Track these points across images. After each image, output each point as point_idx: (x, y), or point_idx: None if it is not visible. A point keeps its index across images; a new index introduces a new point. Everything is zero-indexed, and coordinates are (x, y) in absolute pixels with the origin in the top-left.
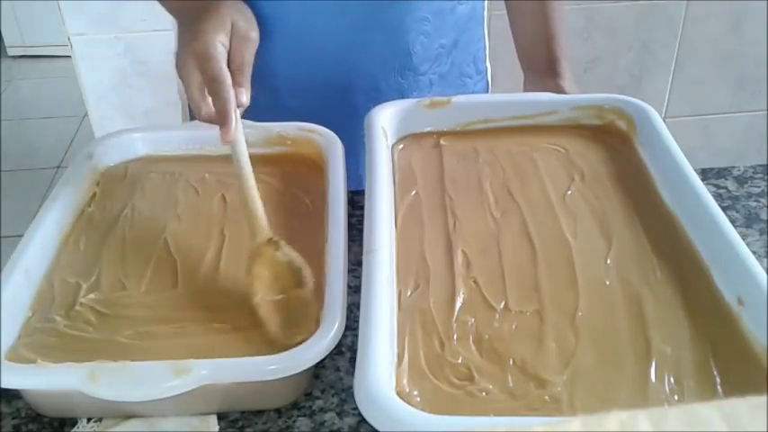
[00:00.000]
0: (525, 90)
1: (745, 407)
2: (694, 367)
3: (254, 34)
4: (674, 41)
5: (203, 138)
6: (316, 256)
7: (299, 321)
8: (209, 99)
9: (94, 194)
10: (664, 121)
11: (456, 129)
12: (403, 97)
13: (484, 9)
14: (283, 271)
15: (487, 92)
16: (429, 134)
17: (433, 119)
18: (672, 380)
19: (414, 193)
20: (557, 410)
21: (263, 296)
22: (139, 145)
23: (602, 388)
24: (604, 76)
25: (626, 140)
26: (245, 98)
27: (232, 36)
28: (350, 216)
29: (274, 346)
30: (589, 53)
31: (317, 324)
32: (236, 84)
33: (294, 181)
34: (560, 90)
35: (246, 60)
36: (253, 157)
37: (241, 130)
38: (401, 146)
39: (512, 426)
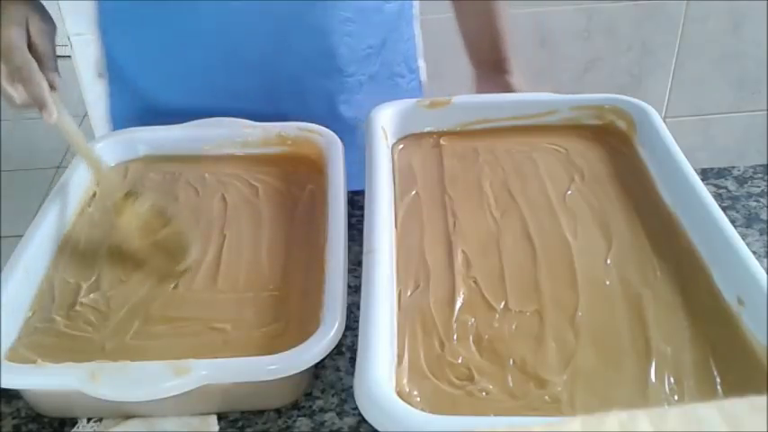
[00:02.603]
0: (476, 86)
1: (745, 407)
2: (694, 367)
3: (51, 25)
4: (674, 41)
5: (203, 138)
6: (316, 256)
7: (180, 251)
8: (20, 87)
9: (94, 194)
10: (664, 121)
11: (456, 129)
12: (330, 100)
13: (413, 7)
14: (149, 216)
15: (421, 90)
16: (429, 134)
17: (433, 119)
18: (672, 380)
19: (414, 193)
20: (557, 410)
21: (142, 240)
22: (139, 145)
23: (602, 388)
24: (604, 76)
25: (626, 140)
26: (57, 80)
27: (29, 29)
28: (350, 216)
29: (267, 342)
30: (589, 53)
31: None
32: (44, 69)
33: (294, 181)
34: (509, 85)
35: (47, 49)
36: (253, 158)
37: (62, 107)
38: (401, 146)
39: (512, 426)
